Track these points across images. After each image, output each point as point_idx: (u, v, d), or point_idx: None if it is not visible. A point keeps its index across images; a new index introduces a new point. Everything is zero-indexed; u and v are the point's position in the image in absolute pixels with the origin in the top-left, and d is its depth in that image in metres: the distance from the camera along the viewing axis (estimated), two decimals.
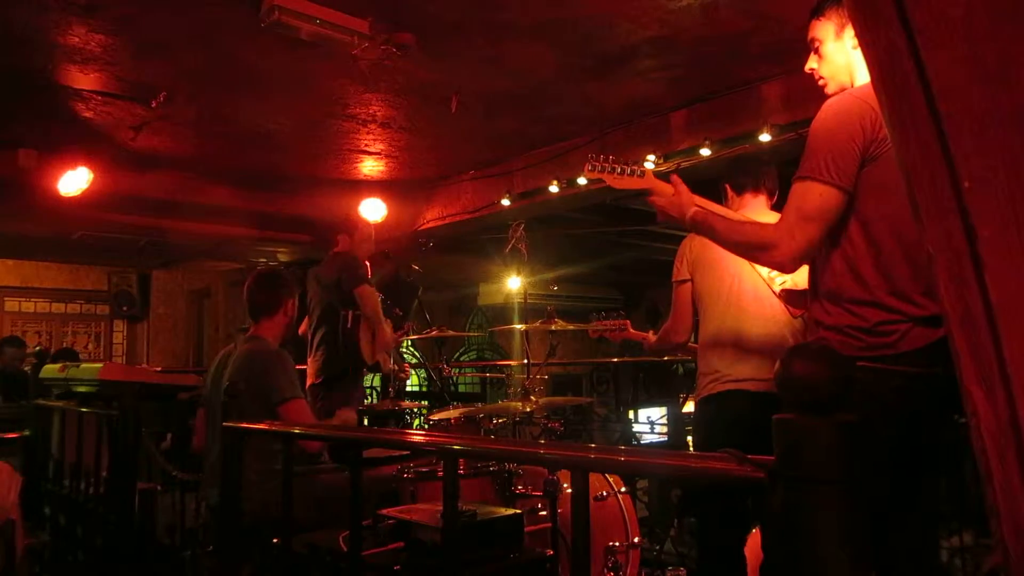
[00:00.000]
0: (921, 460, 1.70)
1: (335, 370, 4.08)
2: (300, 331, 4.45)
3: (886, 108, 0.73)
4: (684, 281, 2.73)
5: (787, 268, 1.82)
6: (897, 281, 1.66)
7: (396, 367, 4.17)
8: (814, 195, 1.71)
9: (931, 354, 1.59)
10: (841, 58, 1.87)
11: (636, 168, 2.10)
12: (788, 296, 2.41)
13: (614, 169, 2.10)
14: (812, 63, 1.95)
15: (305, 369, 4.18)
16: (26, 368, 6.15)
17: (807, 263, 1.82)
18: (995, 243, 0.65)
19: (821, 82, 1.95)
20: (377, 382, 5.39)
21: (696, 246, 2.73)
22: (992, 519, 0.67)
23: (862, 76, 1.83)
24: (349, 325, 4.07)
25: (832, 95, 1.92)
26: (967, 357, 0.69)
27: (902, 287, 1.65)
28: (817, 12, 1.90)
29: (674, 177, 2.12)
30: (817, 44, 1.91)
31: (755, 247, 1.84)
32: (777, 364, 0.90)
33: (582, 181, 5.08)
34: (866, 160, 1.69)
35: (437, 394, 4.78)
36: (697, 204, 2.05)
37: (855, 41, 1.83)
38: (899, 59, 0.68)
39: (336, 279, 4.09)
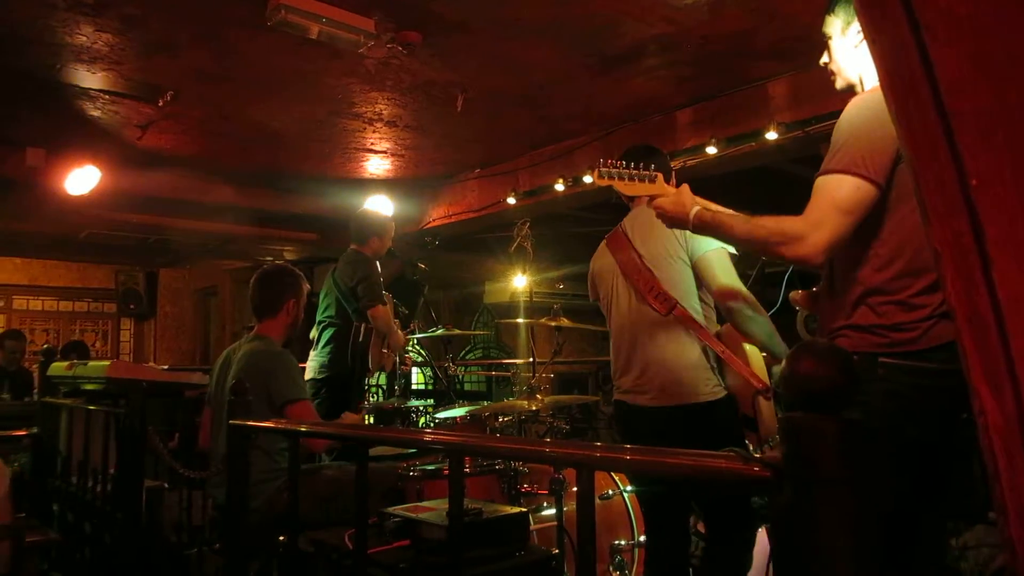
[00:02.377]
0: (944, 459, 1.68)
1: (337, 371, 4.08)
2: (312, 336, 4.45)
3: (893, 105, 0.73)
4: (595, 300, 2.84)
5: (814, 261, 1.70)
6: (928, 278, 1.63)
7: (397, 359, 4.16)
8: (850, 188, 1.64)
9: (954, 350, 1.56)
10: (846, 55, 1.86)
11: (647, 173, 2.08)
12: (803, 299, 2.39)
13: (624, 175, 2.08)
14: (824, 58, 1.94)
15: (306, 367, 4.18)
16: (33, 366, 6.18)
17: (832, 257, 1.73)
18: (1003, 241, 0.65)
19: (832, 77, 1.94)
20: (383, 380, 5.40)
21: (593, 264, 2.80)
22: (1000, 518, 0.67)
23: (869, 73, 1.82)
24: (361, 339, 4.08)
25: (840, 91, 1.91)
26: (974, 356, 0.69)
27: (931, 284, 1.63)
28: (829, 8, 1.89)
29: (684, 185, 2.11)
30: (827, 39, 1.90)
31: (778, 241, 1.73)
32: (783, 363, 0.90)
33: (587, 179, 5.07)
34: (900, 159, 1.64)
35: (443, 392, 4.78)
36: (700, 204, 2.02)
37: (859, 39, 1.82)
38: (906, 56, 0.68)
39: (354, 286, 4.07)
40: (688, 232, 2.25)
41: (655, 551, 2.64)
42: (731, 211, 2.16)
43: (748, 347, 2.45)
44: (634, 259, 2.56)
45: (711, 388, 2.43)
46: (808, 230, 1.66)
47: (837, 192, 1.66)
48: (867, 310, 1.69)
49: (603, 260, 2.74)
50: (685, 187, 2.06)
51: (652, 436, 2.46)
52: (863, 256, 1.71)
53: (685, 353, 2.46)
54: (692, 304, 2.49)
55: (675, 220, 2.03)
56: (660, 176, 2.09)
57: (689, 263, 2.50)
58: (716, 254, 2.43)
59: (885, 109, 1.76)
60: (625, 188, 2.09)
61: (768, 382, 2.39)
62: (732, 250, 2.43)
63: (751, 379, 2.36)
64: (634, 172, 2.07)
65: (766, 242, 1.79)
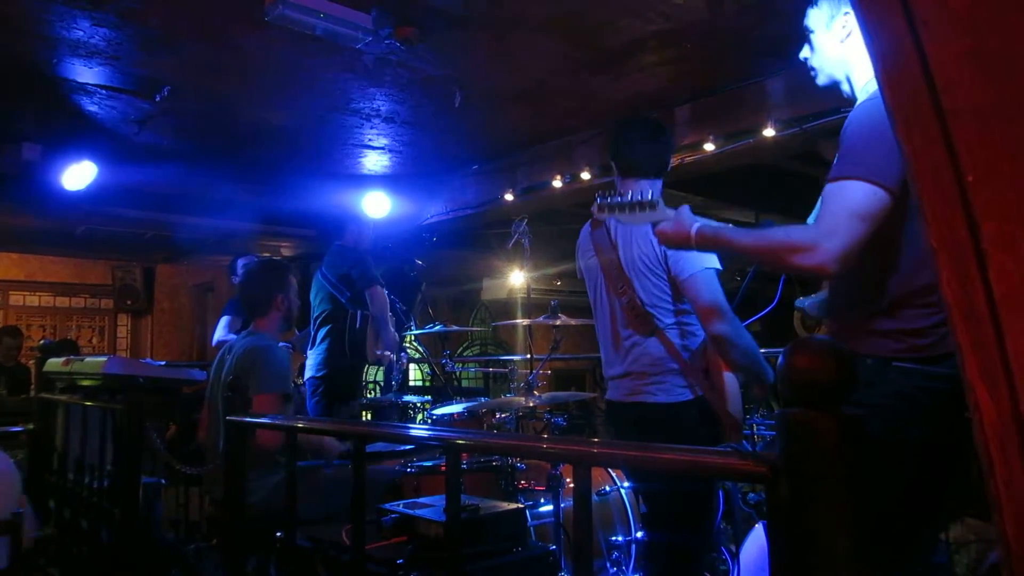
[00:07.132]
0: (947, 461, 1.67)
1: (339, 364, 4.08)
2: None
3: (889, 101, 0.73)
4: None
5: (830, 269, 1.59)
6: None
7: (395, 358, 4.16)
8: (866, 194, 1.56)
9: None
10: (831, 50, 1.81)
11: (647, 202, 2.06)
12: (811, 306, 2.37)
13: (624, 207, 2.06)
14: (805, 52, 1.90)
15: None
16: (30, 362, 6.17)
17: (851, 266, 1.62)
18: (998, 237, 0.65)
19: (812, 72, 1.89)
20: (380, 376, 5.40)
21: (579, 258, 2.68)
22: (994, 514, 0.67)
23: (858, 69, 1.79)
24: (358, 326, 4.08)
25: (823, 87, 1.89)
26: (970, 352, 0.69)
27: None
28: (813, 1, 1.84)
29: (683, 206, 2.07)
30: (809, 33, 1.86)
31: (788, 250, 1.63)
32: (781, 359, 0.90)
33: (585, 176, 5.07)
34: None
35: (440, 389, 4.79)
36: (701, 221, 1.93)
37: (844, 33, 1.79)
38: (902, 52, 0.68)
39: (346, 274, 4.07)
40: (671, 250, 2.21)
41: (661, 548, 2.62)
42: (732, 225, 2.10)
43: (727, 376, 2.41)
44: (616, 263, 2.48)
45: (678, 391, 2.37)
46: (820, 239, 1.57)
47: (852, 199, 1.57)
48: (891, 319, 1.64)
49: (588, 257, 2.64)
50: (684, 208, 2.01)
51: (624, 432, 2.45)
52: (888, 267, 1.65)
53: (657, 358, 2.40)
54: (668, 320, 2.42)
55: (677, 241, 1.97)
56: (660, 202, 2.05)
57: (666, 277, 2.41)
58: (704, 275, 2.31)
59: None
60: (627, 219, 2.06)
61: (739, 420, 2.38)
62: (718, 265, 2.37)
63: (722, 414, 2.33)
64: (635, 202, 2.04)
65: (774, 253, 1.69)
